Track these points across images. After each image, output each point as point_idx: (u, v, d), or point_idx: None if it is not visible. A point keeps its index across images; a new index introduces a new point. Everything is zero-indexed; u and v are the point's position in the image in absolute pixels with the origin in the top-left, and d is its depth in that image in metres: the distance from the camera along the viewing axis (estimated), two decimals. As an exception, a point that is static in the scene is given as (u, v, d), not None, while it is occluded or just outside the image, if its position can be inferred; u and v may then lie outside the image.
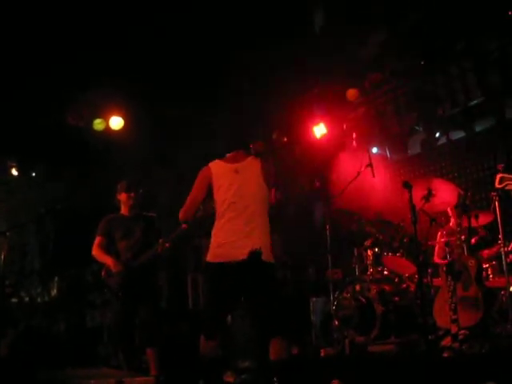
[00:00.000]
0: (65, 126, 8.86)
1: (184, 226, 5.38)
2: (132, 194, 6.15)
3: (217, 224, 4.58)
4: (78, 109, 8.81)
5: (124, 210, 6.20)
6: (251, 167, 4.63)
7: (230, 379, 6.60)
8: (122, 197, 6.18)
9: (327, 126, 9.34)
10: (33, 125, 8.78)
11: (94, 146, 9.20)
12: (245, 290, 4.47)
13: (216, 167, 4.65)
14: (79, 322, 8.93)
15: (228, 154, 4.73)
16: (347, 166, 9.06)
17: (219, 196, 4.58)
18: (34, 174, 10.17)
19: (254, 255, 4.34)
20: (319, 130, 9.37)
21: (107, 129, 9.07)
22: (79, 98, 8.78)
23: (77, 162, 9.83)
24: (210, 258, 4.52)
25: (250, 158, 4.68)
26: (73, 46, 7.53)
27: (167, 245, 5.80)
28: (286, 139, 9.81)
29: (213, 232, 4.58)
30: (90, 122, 9.00)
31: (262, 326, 4.60)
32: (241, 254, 4.36)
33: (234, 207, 4.51)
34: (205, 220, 4.76)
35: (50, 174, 10.22)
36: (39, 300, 9.71)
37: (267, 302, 4.44)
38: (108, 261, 5.98)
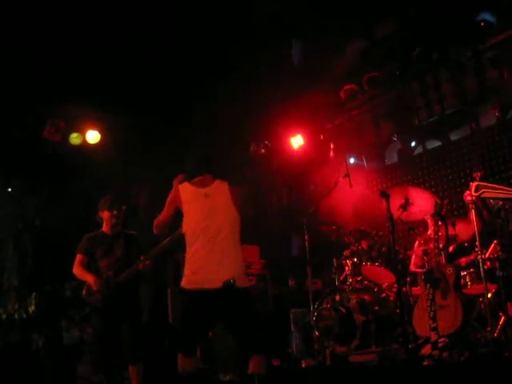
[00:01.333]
0: (41, 141, 8.78)
1: (166, 241, 5.37)
2: (115, 212, 6.09)
3: (189, 250, 4.57)
4: (54, 123, 8.74)
5: (106, 228, 6.15)
6: (220, 191, 4.65)
7: (212, 393, 6.58)
8: (105, 214, 6.12)
9: (304, 137, 9.38)
10: (8, 139, 8.70)
11: (71, 160, 9.14)
12: (221, 315, 4.50)
13: (185, 191, 4.65)
14: (58, 339, 8.83)
15: (195, 179, 4.72)
16: (325, 177, 9.10)
17: (189, 221, 4.60)
18: (10, 190, 10.06)
19: (228, 286, 4.38)
20: (296, 141, 9.41)
21: (84, 143, 9.02)
22: (55, 112, 8.73)
23: (54, 176, 9.76)
24: (184, 283, 4.52)
25: (217, 182, 4.69)
26: (49, 59, 7.50)
27: (148, 262, 5.77)
28: (263, 151, 9.83)
29: (186, 257, 4.57)
30: (67, 136, 8.94)
31: (241, 347, 4.63)
32: (215, 281, 4.39)
33: (206, 232, 4.51)
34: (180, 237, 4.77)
35: (26, 189, 10.12)
36: (16, 316, 9.58)
37: (244, 325, 4.48)
38: (89, 279, 5.93)
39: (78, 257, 6.08)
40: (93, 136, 8.99)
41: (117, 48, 7.39)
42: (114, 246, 6.04)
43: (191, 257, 4.55)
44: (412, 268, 6.80)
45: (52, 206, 10.02)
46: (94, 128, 8.99)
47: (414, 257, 6.87)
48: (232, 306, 4.44)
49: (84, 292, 6.03)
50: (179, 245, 4.80)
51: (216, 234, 4.51)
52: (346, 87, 8.46)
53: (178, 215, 4.75)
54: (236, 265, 4.53)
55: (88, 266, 6.05)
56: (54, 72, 7.69)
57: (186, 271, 4.54)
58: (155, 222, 4.73)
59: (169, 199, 4.72)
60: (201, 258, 4.49)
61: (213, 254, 4.47)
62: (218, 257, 4.46)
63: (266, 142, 9.67)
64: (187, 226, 4.61)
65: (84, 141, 9.01)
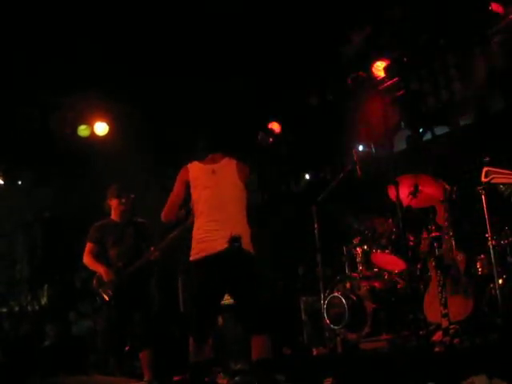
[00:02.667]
0: (50, 132, 8.80)
1: (177, 231, 5.37)
2: (123, 200, 6.11)
3: (196, 223, 4.66)
4: (62, 115, 8.76)
5: (114, 216, 6.16)
6: (227, 167, 4.74)
7: (223, 381, 6.60)
8: (113, 202, 6.14)
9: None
10: (17, 132, 8.73)
11: (80, 151, 9.16)
12: (229, 280, 4.52)
13: (193, 168, 4.75)
14: (70, 330, 8.89)
15: (206, 158, 4.82)
16: (334, 164, 9.11)
17: (197, 196, 4.68)
18: (20, 182, 10.11)
19: (234, 241, 4.42)
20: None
21: (92, 135, 9.04)
22: (64, 104, 8.74)
23: (63, 168, 9.79)
24: (192, 256, 4.59)
25: (226, 159, 4.78)
26: (58, 51, 7.49)
27: (158, 253, 5.79)
28: (271, 139, 9.82)
29: (193, 231, 4.65)
30: (75, 128, 8.96)
31: (246, 320, 4.63)
32: (221, 243, 4.45)
33: (212, 206, 4.60)
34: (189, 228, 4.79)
35: (36, 181, 10.16)
36: (29, 308, 9.65)
37: (250, 292, 4.51)
38: (100, 269, 5.94)
39: (88, 245, 6.10)
40: (101, 128, 9.01)
41: (130, 39, 7.35)
42: (124, 235, 6.06)
43: (197, 229, 4.63)
44: (422, 254, 6.78)
45: (61, 198, 10.06)
46: (102, 120, 9.00)
47: (423, 242, 6.85)
48: (238, 268, 4.48)
49: (94, 282, 6.05)
50: (189, 235, 4.81)
51: (222, 207, 4.59)
52: (353, 74, 8.42)
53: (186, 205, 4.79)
54: (242, 228, 4.59)
55: (98, 255, 6.06)
56: (61, 63, 7.68)
57: (193, 244, 4.61)
58: (164, 210, 4.77)
59: (177, 179, 4.78)
60: (206, 228, 4.56)
61: (218, 223, 4.54)
62: (223, 226, 4.52)
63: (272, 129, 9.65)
64: (195, 202, 4.69)
65: (92, 132, 9.03)
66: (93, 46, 7.44)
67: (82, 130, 9.00)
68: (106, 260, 6.02)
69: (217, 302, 4.71)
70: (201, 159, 4.80)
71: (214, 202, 4.61)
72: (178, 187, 4.77)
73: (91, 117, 8.99)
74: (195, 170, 4.74)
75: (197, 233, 4.62)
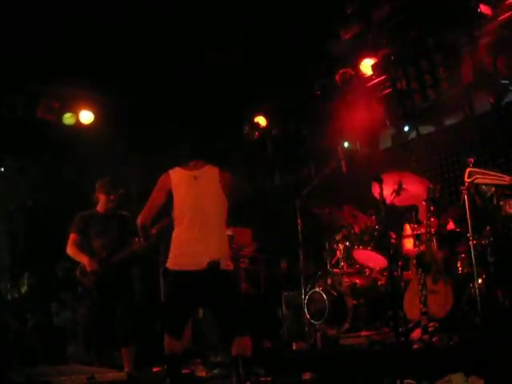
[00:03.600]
0: (34, 121, 8.74)
1: (161, 223, 5.36)
2: (112, 197, 6.10)
3: (176, 231, 4.66)
4: (47, 102, 8.69)
5: (100, 208, 6.15)
6: (209, 175, 4.74)
7: (202, 374, 6.61)
8: (102, 197, 6.13)
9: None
10: (1, 119, 8.65)
11: (64, 140, 9.10)
12: (204, 297, 4.57)
13: (175, 175, 4.74)
14: (50, 319, 8.84)
15: (187, 163, 4.80)
16: (319, 160, 9.13)
17: (178, 202, 4.67)
18: (2, 169, 10.02)
19: (213, 266, 4.45)
20: (291, 125, 9.41)
21: (77, 123, 8.98)
22: (49, 91, 8.68)
23: (47, 157, 9.72)
24: (169, 265, 4.60)
25: (208, 166, 4.78)
26: (44, 38, 7.42)
27: (143, 242, 5.77)
28: (257, 134, 9.82)
29: (172, 238, 4.66)
30: (60, 117, 8.90)
31: (224, 330, 4.71)
32: (200, 263, 4.46)
33: (193, 214, 4.61)
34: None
35: (19, 169, 10.07)
36: (9, 297, 9.58)
37: (227, 308, 4.56)
38: (83, 259, 5.93)
39: (72, 236, 6.08)
40: (86, 116, 8.96)
41: (116, 27, 7.31)
42: (109, 226, 6.05)
43: (177, 238, 4.63)
44: (403, 251, 6.82)
45: (45, 187, 9.99)
46: (87, 108, 8.95)
47: (404, 240, 6.89)
48: (215, 288, 4.51)
49: (77, 272, 6.03)
50: (171, 228, 4.82)
51: (203, 216, 4.60)
52: (341, 71, 8.43)
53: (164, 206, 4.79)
54: (221, 248, 4.62)
55: (82, 246, 6.05)
56: (47, 51, 7.61)
57: (172, 253, 4.62)
58: (142, 213, 4.73)
59: (158, 185, 4.76)
60: (186, 240, 4.58)
61: (199, 236, 4.55)
62: (203, 239, 4.54)
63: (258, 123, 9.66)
64: (176, 208, 4.67)
65: (77, 121, 8.98)
66: (78, 34, 7.38)
67: (67, 118, 8.93)
68: (90, 250, 6.00)
69: (190, 311, 4.79)
70: (184, 164, 4.79)
71: (196, 212, 4.60)
72: (157, 194, 4.73)
73: (76, 105, 8.92)
74: (177, 177, 4.73)
75: (176, 241, 4.63)
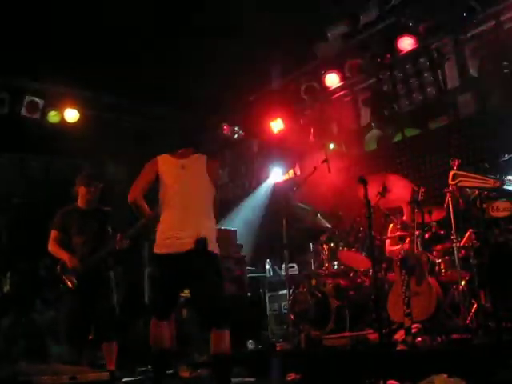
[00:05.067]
0: (19, 118, 8.68)
1: (143, 220, 5.32)
2: (92, 189, 6.06)
3: (163, 216, 4.67)
4: (32, 100, 8.64)
5: (81, 203, 6.10)
6: (197, 164, 4.77)
7: (186, 374, 6.60)
8: (81, 190, 6.08)
9: (284, 122, 9.40)
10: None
11: (49, 138, 9.05)
12: (190, 277, 4.56)
13: (163, 161, 4.77)
14: (32, 318, 8.77)
15: (177, 151, 4.83)
16: (304, 162, 9.14)
17: (164, 190, 4.70)
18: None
19: (200, 243, 4.47)
20: (276, 125, 9.43)
21: (62, 121, 8.94)
22: (34, 89, 8.62)
23: (31, 155, 9.67)
24: (156, 249, 4.63)
25: (196, 155, 4.81)
26: (29, 36, 7.37)
27: (125, 242, 5.75)
28: (242, 134, 9.83)
29: (159, 224, 4.67)
30: (45, 115, 8.85)
31: (204, 315, 4.67)
32: (187, 244, 4.48)
33: (180, 201, 4.64)
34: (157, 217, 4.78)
35: (3, 167, 9.99)
36: (-9, 295, 9.49)
37: (210, 289, 4.54)
38: (64, 256, 5.89)
39: (53, 233, 6.03)
40: (71, 114, 8.92)
41: (99, 25, 7.27)
42: (90, 223, 6.00)
43: (163, 223, 4.65)
44: (387, 253, 6.85)
45: (29, 184, 9.92)
46: (72, 106, 8.91)
47: (388, 241, 6.92)
48: (201, 267, 4.51)
49: (58, 269, 5.99)
50: (155, 226, 4.80)
51: (190, 203, 4.63)
52: (328, 72, 8.46)
53: (153, 195, 4.77)
54: (208, 230, 4.62)
55: (63, 242, 6.00)
56: (32, 49, 7.57)
57: (158, 237, 4.63)
58: (131, 189, 4.73)
59: (145, 168, 4.79)
60: (173, 224, 4.60)
61: (185, 221, 4.58)
62: (190, 224, 4.56)
63: (236, 128, 9.69)
64: (163, 194, 4.70)
65: (62, 119, 8.93)
66: (63, 31, 7.33)
67: (52, 117, 8.89)
68: (70, 247, 5.96)
69: (178, 291, 4.80)
70: (171, 152, 4.81)
71: (182, 199, 4.63)
72: (147, 173, 4.76)
73: (61, 103, 8.88)
74: (165, 164, 4.75)
75: (162, 227, 4.65)
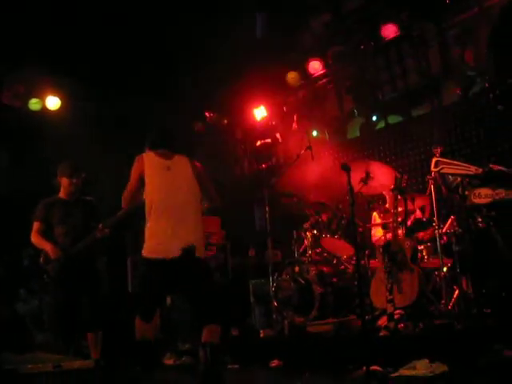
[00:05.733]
0: (1, 106, 8.59)
1: (123, 210, 5.30)
2: (74, 180, 6.01)
3: (151, 220, 4.61)
4: (13, 88, 8.55)
5: (63, 194, 6.06)
6: (181, 164, 4.74)
7: (170, 361, 6.61)
8: (64, 181, 6.02)
9: (267, 109, 9.39)
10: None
11: (30, 126, 8.97)
12: (179, 284, 4.59)
13: (149, 161, 4.68)
14: (15, 308, 8.74)
15: (158, 150, 4.74)
16: (287, 149, 9.15)
17: (151, 192, 4.62)
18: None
19: (187, 252, 4.47)
20: (259, 113, 9.41)
21: (44, 109, 8.86)
22: (14, 76, 8.53)
23: (12, 143, 9.57)
24: (145, 253, 4.58)
25: (177, 156, 4.76)
26: (9, 23, 7.29)
27: (107, 230, 5.72)
28: (225, 121, 9.81)
29: (147, 227, 4.62)
30: (26, 102, 8.76)
31: (197, 316, 4.72)
32: (175, 250, 4.47)
33: (168, 204, 4.58)
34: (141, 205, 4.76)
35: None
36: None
37: (201, 294, 4.56)
38: (47, 247, 5.85)
39: (36, 224, 5.98)
40: (53, 102, 8.84)
41: (82, 12, 7.21)
42: (72, 213, 5.95)
43: (152, 227, 4.60)
44: (373, 240, 6.89)
45: (9, 174, 9.83)
46: (54, 94, 8.83)
47: (373, 229, 6.96)
48: (190, 275, 4.53)
49: (41, 259, 5.96)
50: (138, 214, 4.78)
51: (178, 206, 4.59)
52: (310, 60, 8.46)
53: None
54: (196, 236, 4.62)
55: (45, 233, 5.96)
56: (12, 35, 7.48)
57: (148, 241, 4.59)
58: (123, 196, 4.70)
59: (134, 168, 4.70)
60: (162, 229, 4.55)
61: (174, 225, 4.54)
62: (179, 228, 4.54)
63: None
64: (149, 197, 4.63)
65: (44, 107, 8.86)
66: (45, 18, 7.27)
67: (33, 104, 8.81)
68: (52, 238, 5.92)
69: (165, 295, 4.94)
70: (155, 151, 4.73)
71: (170, 203, 4.58)
72: (133, 177, 4.68)
73: (43, 91, 8.79)
74: (150, 165, 4.67)
75: (151, 231, 4.60)
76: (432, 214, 5.85)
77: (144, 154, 4.72)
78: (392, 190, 6.19)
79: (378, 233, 6.88)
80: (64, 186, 6.01)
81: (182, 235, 4.52)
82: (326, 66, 8.54)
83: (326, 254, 7.09)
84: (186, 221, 4.59)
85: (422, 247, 6.23)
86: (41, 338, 7.70)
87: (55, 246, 5.82)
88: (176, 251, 4.46)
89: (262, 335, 6.69)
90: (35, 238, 5.95)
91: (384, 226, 6.59)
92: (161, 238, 4.53)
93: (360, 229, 6.70)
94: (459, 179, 5.51)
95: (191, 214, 4.64)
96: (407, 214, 6.38)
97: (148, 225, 4.62)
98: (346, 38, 8.27)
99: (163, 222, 4.55)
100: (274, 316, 6.77)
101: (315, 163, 7.38)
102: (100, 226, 5.72)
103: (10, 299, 8.84)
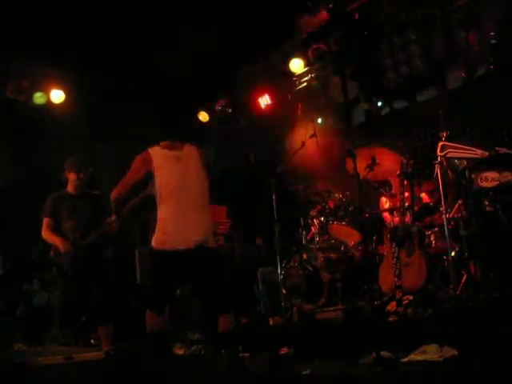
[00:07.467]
0: (4, 100, 8.60)
1: (133, 201, 5.34)
2: (81, 175, 6.05)
3: (161, 211, 4.63)
4: (17, 82, 8.56)
5: (70, 188, 6.11)
6: (191, 155, 4.73)
7: (180, 351, 6.63)
8: (71, 176, 6.07)
9: (272, 97, 9.36)
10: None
11: (35, 119, 8.98)
12: (190, 275, 4.60)
13: (156, 155, 4.66)
14: (25, 301, 8.79)
15: (164, 142, 4.73)
16: (293, 136, 9.13)
17: (162, 184, 4.62)
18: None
19: (200, 242, 4.51)
20: (264, 101, 9.39)
21: (48, 102, 8.87)
22: (19, 70, 8.54)
23: (18, 137, 9.59)
24: (155, 244, 4.60)
25: (186, 146, 4.76)
26: (14, 17, 7.29)
27: (115, 224, 5.75)
28: (230, 110, 9.79)
29: (158, 219, 4.64)
30: (31, 96, 8.77)
31: (209, 307, 4.80)
32: (187, 242, 4.50)
33: (178, 195, 4.59)
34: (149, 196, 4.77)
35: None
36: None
37: (213, 286, 4.58)
38: (57, 241, 5.90)
39: (46, 220, 6.03)
40: (57, 95, 8.85)
41: (86, 6, 7.20)
42: (80, 207, 6.01)
43: (163, 219, 4.62)
44: (386, 223, 6.86)
45: (16, 167, 9.86)
46: (58, 87, 8.83)
47: (385, 214, 6.95)
48: (202, 266, 4.54)
49: (51, 253, 6.00)
50: (146, 206, 4.80)
51: (188, 197, 4.60)
52: (313, 46, 8.42)
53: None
54: (206, 226, 4.65)
55: (55, 228, 6.01)
56: (17, 30, 7.48)
57: (157, 233, 4.61)
58: (116, 187, 4.68)
59: (136, 162, 4.69)
60: (172, 220, 4.58)
61: (184, 216, 4.56)
62: (189, 219, 4.56)
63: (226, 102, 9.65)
64: (159, 189, 4.64)
65: (48, 100, 8.86)
66: (47, 11, 7.25)
67: (38, 98, 8.81)
68: (61, 232, 5.97)
69: (175, 286, 4.93)
70: (160, 144, 4.72)
71: (181, 194, 4.59)
72: (135, 171, 4.66)
73: (47, 84, 8.80)
74: (158, 158, 4.65)
75: (161, 222, 4.61)
76: (439, 199, 5.83)
77: (150, 149, 4.69)
78: (398, 176, 6.18)
79: (389, 217, 6.87)
80: (71, 180, 6.07)
81: (194, 226, 4.55)
82: (330, 51, 8.50)
83: (333, 241, 7.08)
84: (198, 211, 4.61)
85: (430, 232, 6.22)
86: (51, 329, 7.75)
87: (65, 240, 5.87)
88: (188, 242, 4.49)
89: (271, 323, 6.70)
90: (46, 234, 6.01)
91: (391, 212, 6.59)
92: (171, 229, 4.55)
93: (367, 215, 6.69)
94: (465, 163, 5.50)
95: (201, 203, 4.67)
96: (414, 199, 6.36)
97: (158, 215, 4.63)
98: (348, 23, 8.21)
99: (174, 213, 4.58)
100: (283, 304, 6.77)
101: (321, 150, 7.38)
102: (108, 219, 5.73)
103: (20, 292, 8.89)
